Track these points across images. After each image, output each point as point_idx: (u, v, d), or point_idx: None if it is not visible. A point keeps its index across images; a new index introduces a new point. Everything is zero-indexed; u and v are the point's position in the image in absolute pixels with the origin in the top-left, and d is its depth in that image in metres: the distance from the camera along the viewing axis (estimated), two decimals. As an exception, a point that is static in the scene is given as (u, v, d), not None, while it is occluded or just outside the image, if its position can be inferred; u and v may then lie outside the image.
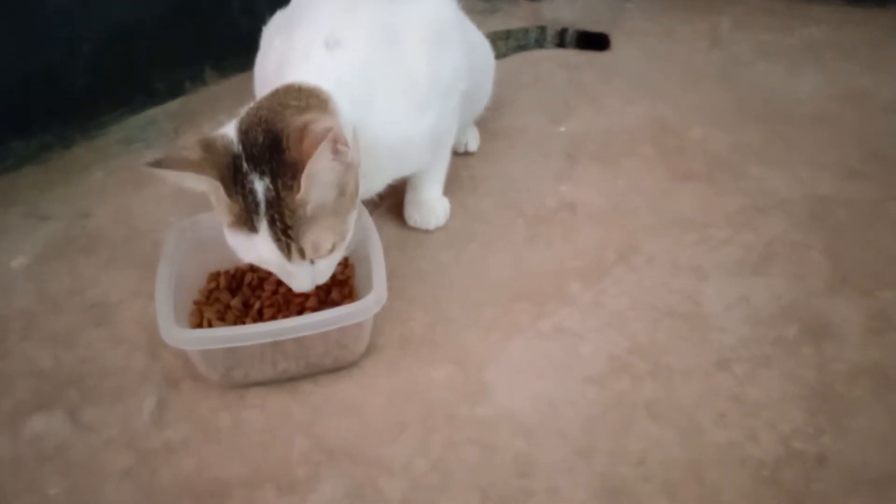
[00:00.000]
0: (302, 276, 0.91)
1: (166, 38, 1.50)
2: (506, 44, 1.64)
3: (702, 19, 1.74)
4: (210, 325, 1.02)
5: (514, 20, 1.75)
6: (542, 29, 1.68)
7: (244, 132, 0.87)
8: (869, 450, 0.89)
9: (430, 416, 0.95)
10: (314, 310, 1.02)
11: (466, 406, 0.96)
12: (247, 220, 0.86)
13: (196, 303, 1.06)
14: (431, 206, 1.22)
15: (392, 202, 1.23)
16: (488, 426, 0.94)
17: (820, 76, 1.54)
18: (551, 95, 1.52)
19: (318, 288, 1.04)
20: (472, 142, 1.38)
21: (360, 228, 1.02)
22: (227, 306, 1.05)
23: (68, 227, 1.27)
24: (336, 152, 0.85)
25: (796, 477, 0.87)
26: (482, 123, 1.40)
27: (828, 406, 0.94)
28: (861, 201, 1.23)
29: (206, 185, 0.87)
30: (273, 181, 0.85)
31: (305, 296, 1.05)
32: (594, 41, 1.67)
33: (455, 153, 1.31)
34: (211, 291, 1.08)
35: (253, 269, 1.09)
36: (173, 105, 1.55)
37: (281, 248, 0.87)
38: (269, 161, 0.85)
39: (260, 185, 0.85)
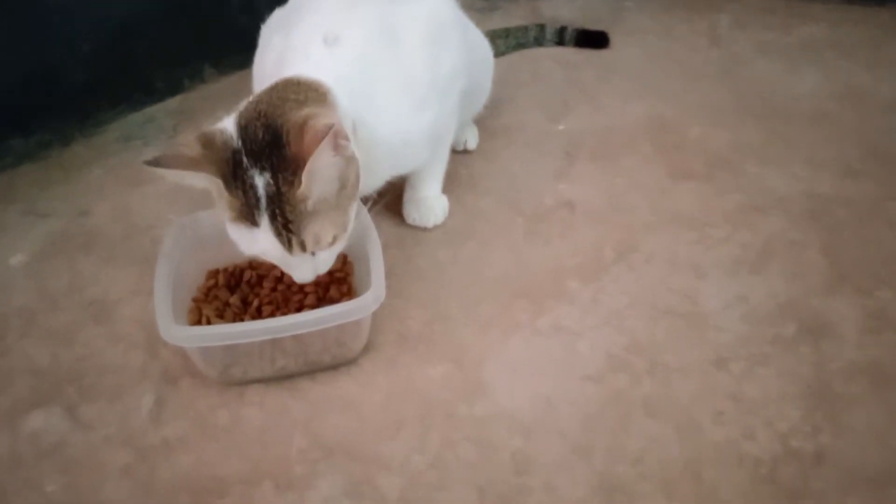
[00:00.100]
0: (303, 268, 0.91)
1: (165, 35, 1.50)
2: (505, 42, 1.64)
3: (701, 18, 1.74)
4: (209, 323, 1.02)
5: (514, 18, 1.74)
6: (542, 27, 1.67)
7: (243, 127, 0.87)
8: (866, 448, 0.89)
9: (428, 414, 0.95)
10: (313, 307, 1.03)
11: (464, 404, 0.96)
12: (248, 215, 0.86)
13: (195, 300, 1.06)
14: (430, 204, 1.22)
15: (391, 200, 1.23)
16: (486, 424, 0.94)
17: (819, 75, 1.53)
18: (550, 94, 1.52)
19: (316, 285, 1.05)
20: (471, 140, 1.38)
21: (359, 226, 1.02)
22: (226, 304, 1.05)
23: (67, 224, 1.28)
24: (337, 147, 0.85)
25: (794, 475, 0.87)
26: (481, 121, 1.40)
27: (825, 404, 0.94)
28: (860, 200, 1.23)
29: (206, 182, 0.87)
30: (273, 176, 0.85)
31: (304, 293, 1.05)
32: (593, 39, 1.66)
33: (454, 151, 1.31)
34: (210, 289, 1.08)
35: (252, 266, 1.09)
36: (172, 103, 1.55)
37: (282, 242, 0.87)
38: (269, 156, 0.85)
39: (260, 181, 0.85)
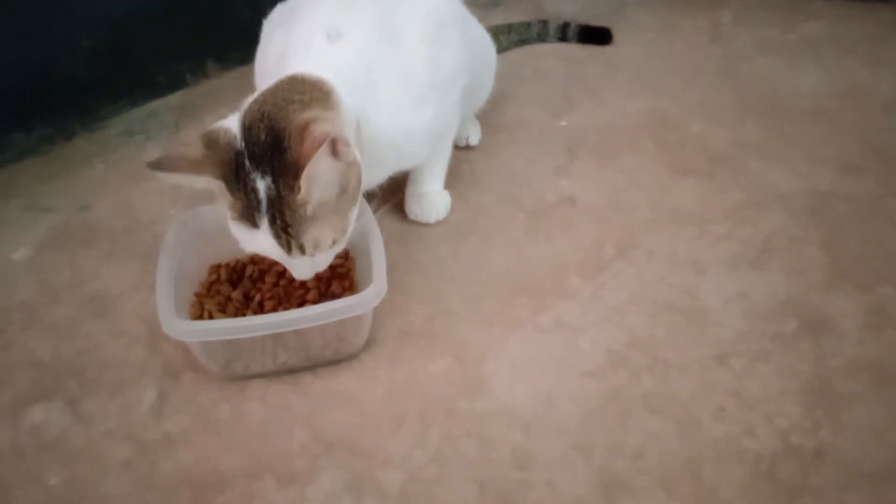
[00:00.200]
0: (302, 267, 0.92)
1: (167, 30, 1.50)
2: (507, 38, 1.64)
3: (703, 14, 1.74)
4: (211, 317, 1.02)
5: (516, 14, 1.74)
6: (544, 23, 1.67)
7: (247, 128, 0.86)
8: (866, 445, 0.89)
9: (429, 409, 0.96)
10: (314, 302, 1.03)
11: (465, 399, 0.97)
12: (248, 217, 0.87)
13: (197, 295, 1.06)
14: (432, 199, 1.22)
15: (393, 196, 1.23)
16: (487, 419, 0.94)
17: (820, 72, 1.53)
18: (552, 90, 1.52)
19: (318, 280, 1.05)
20: (473, 136, 1.38)
21: (361, 222, 1.02)
22: (228, 298, 1.06)
23: (69, 219, 1.28)
24: (337, 153, 0.84)
25: (793, 471, 0.87)
26: (483, 117, 1.40)
27: (825, 401, 0.94)
28: (860, 197, 1.23)
29: (208, 184, 0.87)
30: (274, 181, 0.85)
31: (306, 288, 1.05)
32: (596, 36, 1.66)
33: (456, 147, 1.31)
34: (212, 283, 1.08)
35: (254, 261, 1.10)
36: (174, 98, 1.55)
37: (281, 245, 0.88)
38: (270, 160, 0.85)
39: (261, 184, 0.85)
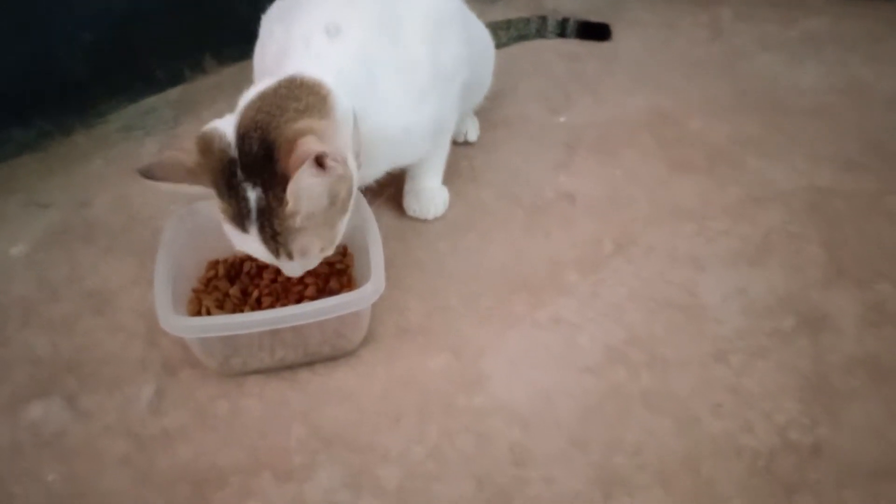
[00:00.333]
0: (292, 267, 0.93)
1: (166, 25, 1.50)
2: (506, 33, 1.63)
3: (703, 10, 1.73)
4: (208, 313, 1.02)
5: (515, 10, 1.74)
6: (544, 19, 1.67)
7: (241, 136, 0.86)
8: (864, 441, 0.89)
9: (427, 405, 0.96)
10: (312, 299, 1.03)
11: (463, 395, 0.97)
12: (238, 222, 0.88)
13: (195, 291, 1.06)
14: (431, 195, 1.22)
15: (391, 191, 1.23)
16: (484, 415, 0.94)
17: (821, 68, 1.53)
18: (551, 85, 1.52)
19: (316, 277, 1.05)
20: (472, 131, 1.38)
21: (360, 217, 1.02)
22: (226, 294, 1.05)
23: (67, 215, 1.27)
24: (324, 167, 0.84)
25: (791, 467, 0.87)
26: (482, 113, 1.40)
27: (823, 397, 0.94)
28: (859, 194, 1.23)
29: (200, 191, 0.88)
30: (265, 192, 0.85)
31: (304, 284, 1.05)
32: (595, 31, 1.66)
33: (455, 143, 1.31)
34: (209, 279, 1.08)
35: (252, 257, 1.09)
36: (173, 93, 1.54)
37: (270, 250, 0.89)
38: (261, 171, 0.85)
39: (252, 194, 0.86)
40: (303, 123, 0.85)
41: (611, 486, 0.87)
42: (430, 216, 1.22)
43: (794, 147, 1.33)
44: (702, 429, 0.92)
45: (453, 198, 1.24)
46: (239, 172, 0.86)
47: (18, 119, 1.40)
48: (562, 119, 1.44)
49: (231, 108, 0.92)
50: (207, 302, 1.03)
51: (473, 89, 1.26)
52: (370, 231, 1.00)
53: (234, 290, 1.05)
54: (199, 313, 1.03)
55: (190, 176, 0.86)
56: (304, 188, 0.83)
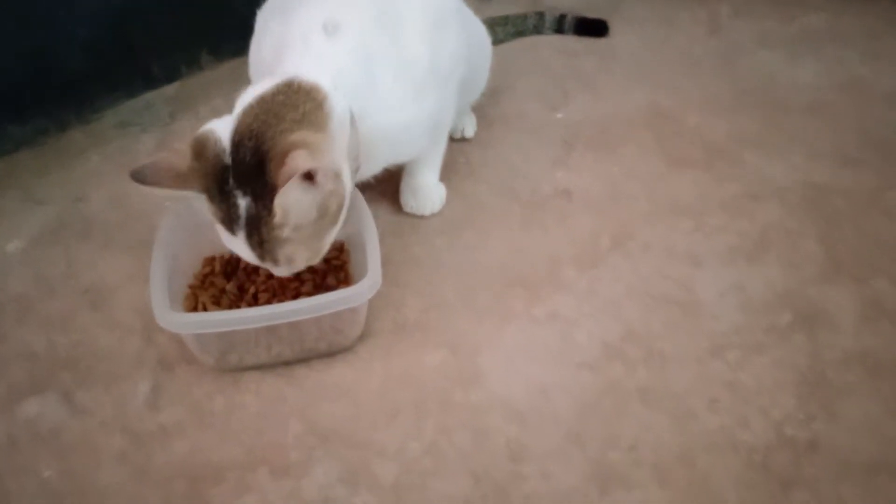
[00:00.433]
0: (278, 271, 0.93)
1: (163, 22, 1.49)
2: (504, 30, 1.63)
3: (701, 6, 1.73)
4: (205, 310, 1.02)
5: (512, 6, 1.73)
6: (541, 15, 1.67)
7: (236, 143, 0.86)
8: (860, 436, 0.90)
9: (424, 401, 0.96)
10: (309, 295, 1.03)
11: (460, 391, 0.97)
12: (228, 225, 0.88)
13: (191, 287, 1.06)
14: (427, 192, 1.22)
15: (388, 188, 1.22)
16: (481, 411, 0.94)
17: (819, 65, 1.53)
18: (549, 82, 1.52)
19: (313, 273, 1.05)
20: (469, 128, 1.38)
21: (356, 214, 1.02)
22: (222, 291, 1.05)
23: (64, 211, 1.27)
24: (314, 182, 0.84)
25: (787, 462, 0.87)
26: (479, 109, 1.40)
27: (820, 393, 0.94)
28: (857, 190, 1.23)
29: (190, 194, 0.88)
30: (254, 201, 0.86)
31: (301, 281, 1.05)
32: (593, 28, 1.66)
33: (452, 139, 1.31)
34: (206, 276, 1.08)
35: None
36: (170, 89, 1.54)
37: (256, 255, 0.89)
38: (252, 181, 0.85)
39: (243, 201, 0.86)
40: (297, 136, 0.85)
41: (607, 482, 0.87)
42: (427, 212, 1.22)
43: (791, 143, 1.33)
44: (698, 424, 0.92)
45: (450, 194, 1.24)
46: (231, 180, 0.86)
47: (14, 115, 1.39)
48: (559, 115, 1.44)
49: (228, 105, 0.92)
50: (204, 298, 1.03)
51: (471, 86, 1.26)
52: (367, 227, 1.00)
53: (230, 287, 1.05)
54: (195, 309, 1.03)
55: (180, 181, 0.86)
56: (292, 202, 0.84)
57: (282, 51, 0.97)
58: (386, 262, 0.98)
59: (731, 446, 0.89)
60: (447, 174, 1.25)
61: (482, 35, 1.32)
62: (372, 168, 1.07)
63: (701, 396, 0.95)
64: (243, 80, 1.09)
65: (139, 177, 0.85)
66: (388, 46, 1.00)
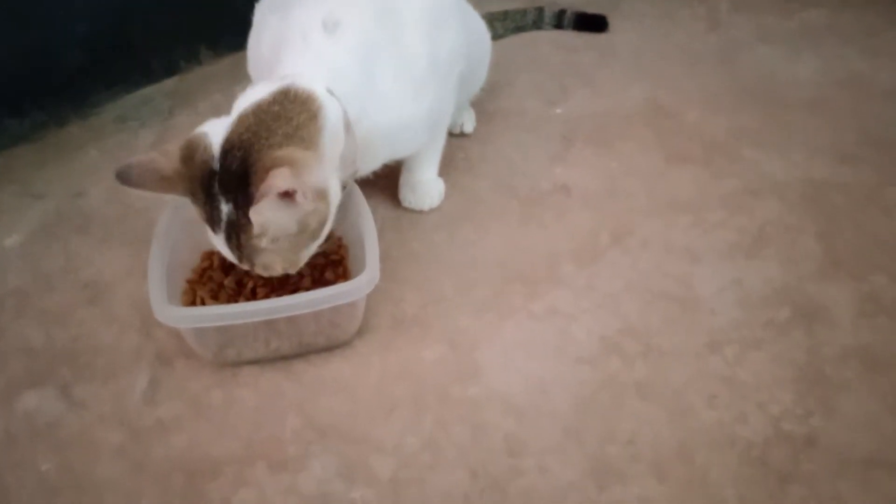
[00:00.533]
0: (256, 273, 0.94)
1: (161, 16, 1.49)
2: (503, 25, 1.63)
3: (700, 2, 1.73)
4: (203, 304, 1.02)
5: (512, 1, 1.73)
6: (540, 10, 1.66)
7: (226, 151, 0.86)
8: (857, 431, 0.90)
9: (422, 396, 0.96)
10: (308, 289, 1.02)
11: (458, 386, 0.97)
12: (210, 225, 0.89)
13: (189, 281, 1.06)
14: (426, 187, 1.22)
15: (387, 183, 1.22)
16: (479, 406, 0.94)
17: (818, 61, 1.53)
18: (548, 77, 1.52)
19: (311, 268, 1.05)
20: (468, 123, 1.38)
21: (355, 209, 1.02)
22: (221, 285, 1.05)
23: (62, 205, 1.27)
24: (293, 200, 0.84)
25: (785, 457, 0.87)
26: (478, 105, 1.40)
27: (817, 388, 0.94)
28: (855, 186, 1.23)
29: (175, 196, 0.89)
30: (236, 209, 0.86)
31: (300, 275, 1.05)
32: (592, 23, 1.65)
33: (451, 134, 1.31)
34: (204, 270, 1.07)
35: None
36: (168, 84, 1.54)
37: (235, 257, 0.91)
38: (236, 190, 0.86)
39: (225, 207, 0.87)
40: (284, 152, 0.85)
41: (605, 477, 0.87)
42: (426, 208, 1.22)
43: (790, 139, 1.33)
44: (696, 419, 0.92)
45: (449, 189, 1.24)
46: (216, 186, 0.87)
47: (13, 109, 1.39)
48: (558, 111, 1.43)
49: (227, 100, 0.92)
50: (202, 292, 1.03)
51: (470, 81, 1.25)
52: (365, 222, 1.00)
53: (228, 281, 1.05)
54: (193, 304, 1.03)
55: (164, 184, 0.87)
56: (269, 217, 0.85)
57: (281, 48, 0.97)
58: (384, 258, 0.98)
59: (729, 441, 0.89)
60: (446, 169, 1.24)
61: (482, 30, 1.31)
62: (371, 165, 1.07)
63: (699, 392, 0.95)
64: (242, 75, 1.10)
65: (124, 177, 0.85)
66: (387, 44, 1.00)
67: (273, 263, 0.91)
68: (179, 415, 0.95)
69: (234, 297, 1.04)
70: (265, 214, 0.84)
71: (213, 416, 0.95)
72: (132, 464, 0.90)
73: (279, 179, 0.81)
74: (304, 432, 0.93)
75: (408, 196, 1.22)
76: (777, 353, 0.98)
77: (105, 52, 1.45)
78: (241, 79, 1.07)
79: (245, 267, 0.92)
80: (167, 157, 0.88)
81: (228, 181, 0.86)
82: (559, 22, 1.66)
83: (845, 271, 1.09)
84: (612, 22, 1.66)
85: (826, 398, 0.93)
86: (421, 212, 1.22)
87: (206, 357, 0.99)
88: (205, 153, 0.87)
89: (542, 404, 0.94)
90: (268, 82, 0.91)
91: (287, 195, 0.83)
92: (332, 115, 0.91)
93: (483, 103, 1.40)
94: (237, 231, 0.87)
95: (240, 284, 1.05)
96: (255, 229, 0.85)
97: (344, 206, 1.01)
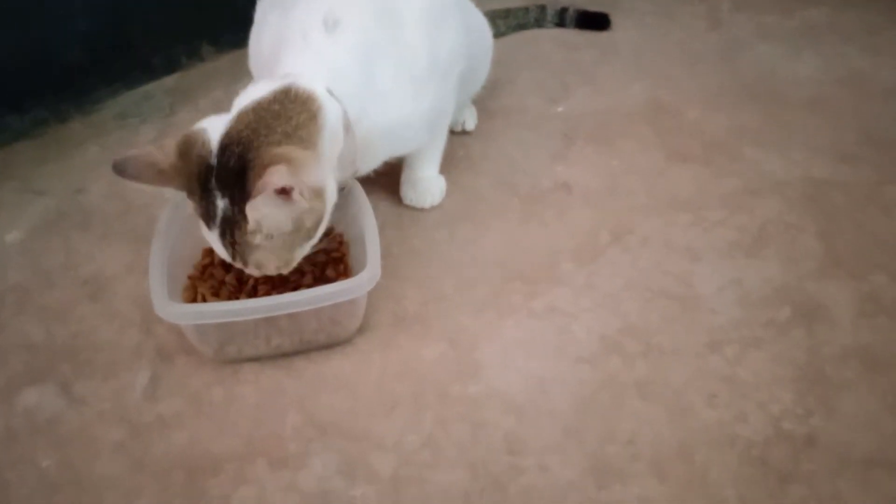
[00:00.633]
0: (248, 272, 0.94)
1: (163, 12, 1.49)
2: (505, 23, 1.63)
3: (701, 0, 1.73)
4: (204, 301, 1.02)
5: (514, -1, 1.74)
6: (542, 8, 1.66)
7: (223, 148, 0.87)
8: (857, 431, 0.90)
9: (422, 394, 0.96)
10: (309, 287, 1.02)
11: (458, 384, 0.97)
12: (206, 220, 0.89)
13: (190, 278, 1.06)
14: (427, 184, 1.22)
15: (388, 180, 1.22)
16: (480, 404, 0.95)
17: (819, 59, 1.53)
18: (549, 75, 1.52)
19: (312, 265, 1.05)
20: (470, 121, 1.38)
21: (356, 206, 1.02)
22: (222, 282, 1.05)
23: (63, 202, 1.27)
24: (289, 198, 0.84)
25: (785, 457, 0.87)
26: (480, 102, 1.40)
27: (818, 388, 0.94)
28: (856, 185, 1.23)
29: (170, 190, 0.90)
30: (232, 205, 0.86)
31: (301, 273, 1.05)
32: (594, 21, 1.65)
33: (452, 132, 1.31)
34: (205, 267, 1.07)
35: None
36: (169, 80, 1.54)
37: (229, 255, 0.90)
38: (232, 186, 0.86)
39: (221, 202, 0.87)
40: (282, 150, 0.85)
41: (604, 475, 0.87)
42: (427, 205, 1.22)
43: (791, 138, 1.33)
44: (696, 418, 0.92)
45: (450, 187, 1.24)
46: (213, 181, 0.87)
47: (14, 106, 1.39)
48: (559, 109, 1.43)
49: (228, 96, 0.92)
50: (203, 289, 1.03)
51: (471, 79, 1.25)
52: (366, 220, 1.00)
53: (229, 278, 1.05)
54: (194, 300, 1.03)
55: (160, 177, 0.87)
56: (264, 213, 0.85)
57: (281, 46, 0.97)
58: (385, 255, 0.98)
59: (729, 441, 0.89)
60: (447, 167, 1.24)
61: (483, 28, 1.31)
62: (371, 163, 1.07)
63: (699, 391, 0.95)
64: (243, 72, 1.10)
65: (120, 168, 0.86)
66: (388, 43, 1.00)
67: (266, 262, 0.91)
68: (180, 411, 0.95)
69: (235, 294, 1.04)
70: (261, 210, 0.84)
71: (213, 413, 0.95)
72: (132, 460, 0.90)
73: (276, 176, 0.81)
74: (305, 429, 0.93)
75: (409, 193, 1.22)
76: (777, 353, 0.98)
77: (106, 49, 1.45)
78: (243, 75, 1.06)
79: (238, 265, 0.92)
80: (163, 152, 0.88)
81: (225, 177, 0.86)
82: (561, 20, 1.66)
83: (845, 270, 1.09)
84: (614, 20, 1.66)
85: (826, 398, 0.93)
86: (422, 209, 1.22)
87: (206, 354, 0.99)
88: (202, 148, 0.87)
89: (542, 403, 0.94)
90: (269, 81, 0.91)
91: (284, 192, 0.83)
92: (331, 115, 0.91)
93: (485, 101, 1.40)
94: (232, 227, 0.87)
95: (241, 281, 1.05)
96: (250, 225, 0.85)
97: (345, 204, 1.01)
